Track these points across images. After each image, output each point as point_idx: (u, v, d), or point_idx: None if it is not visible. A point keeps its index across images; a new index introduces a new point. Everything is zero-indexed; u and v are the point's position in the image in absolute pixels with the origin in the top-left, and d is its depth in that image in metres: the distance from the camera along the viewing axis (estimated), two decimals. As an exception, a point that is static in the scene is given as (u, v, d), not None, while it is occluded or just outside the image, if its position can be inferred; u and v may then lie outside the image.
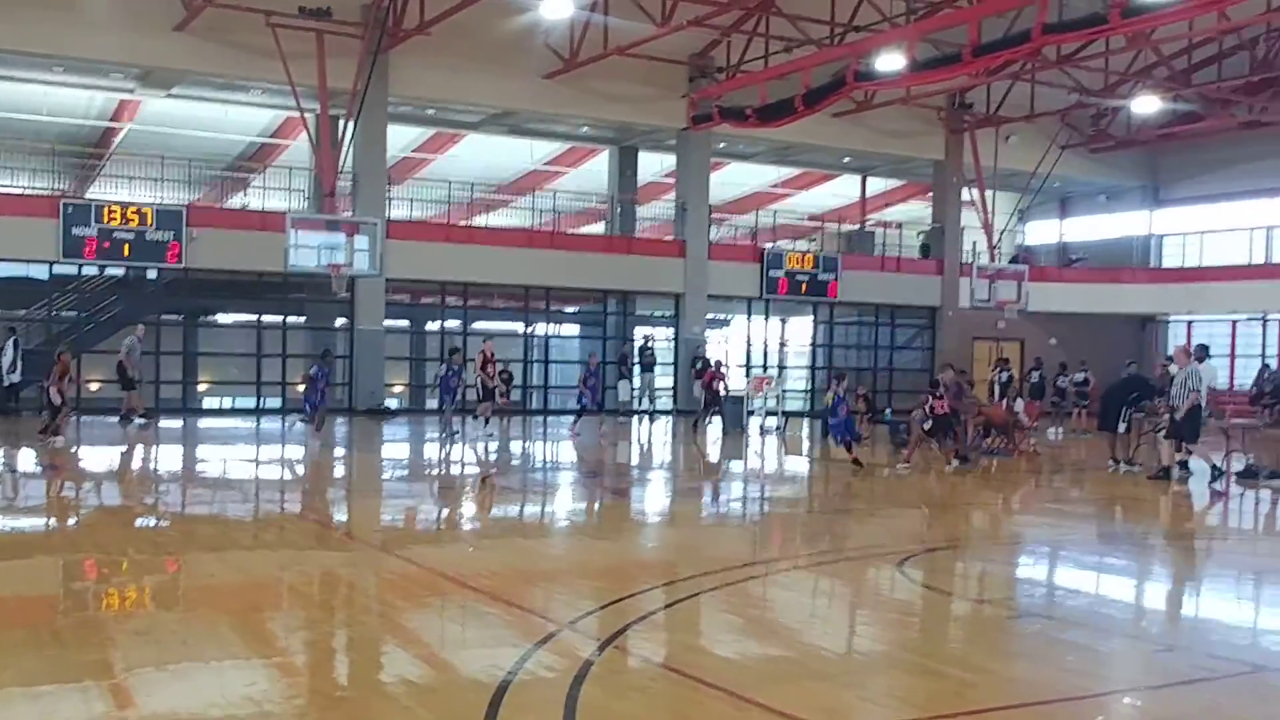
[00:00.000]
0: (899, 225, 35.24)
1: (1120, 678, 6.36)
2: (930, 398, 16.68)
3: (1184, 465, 15.35)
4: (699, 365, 26.50)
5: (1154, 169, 33.97)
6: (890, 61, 20.72)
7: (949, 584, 9.15)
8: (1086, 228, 36.56)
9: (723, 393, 23.72)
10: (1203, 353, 16.85)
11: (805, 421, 25.98)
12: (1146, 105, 27.21)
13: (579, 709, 5.28)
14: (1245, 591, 9.29)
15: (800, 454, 21.04)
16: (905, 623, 7.71)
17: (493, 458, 18.23)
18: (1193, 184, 33.06)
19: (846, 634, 7.49)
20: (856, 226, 34.68)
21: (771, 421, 24.28)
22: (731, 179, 34.12)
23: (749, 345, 31.50)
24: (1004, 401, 21.07)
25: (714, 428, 23.97)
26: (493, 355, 21.30)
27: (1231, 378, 30.87)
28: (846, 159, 32.45)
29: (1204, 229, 33.47)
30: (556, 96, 26.40)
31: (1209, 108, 28.63)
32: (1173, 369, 17.42)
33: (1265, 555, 10.83)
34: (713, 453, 20.73)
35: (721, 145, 29.90)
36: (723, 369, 24.68)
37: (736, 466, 19.04)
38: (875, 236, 34.30)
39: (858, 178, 35.07)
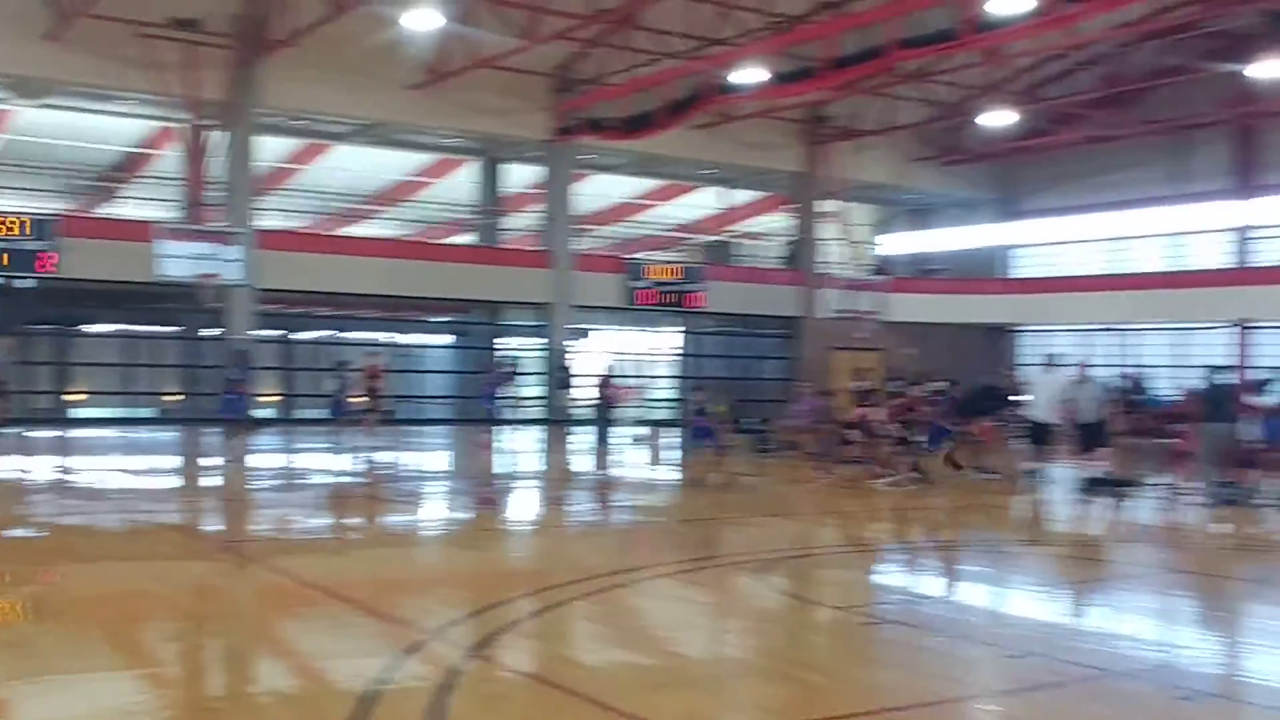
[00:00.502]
0: (761, 237, 35.69)
1: (975, 683, 6.36)
2: (873, 407, 16.57)
3: (1033, 473, 15.72)
4: (600, 377, 26.38)
5: (1007, 182, 35.11)
6: (749, 75, 20.88)
7: (811, 591, 9.14)
8: (943, 239, 37.60)
9: (617, 402, 23.79)
10: (1052, 362, 17.34)
11: (670, 431, 26.07)
12: (998, 119, 28.10)
13: (446, 719, 5.26)
14: (1095, 598, 9.44)
15: (666, 463, 21.02)
16: (768, 630, 7.70)
17: (376, 469, 18.02)
18: (1045, 197, 34.26)
19: (710, 641, 7.45)
20: (720, 238, 34.97)
21: (638, 431, 24.27)
22: (597, 190, 34.12)
23: (615, 355, 31.44)
24: (863, 411, 21.35)
25: (588, 436, 24.01)
26: (382, 369, 21.66)
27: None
28: (708, 171, 32.75)
29: (1056, 240, 34.72)
30: (423, 108, 26.39)
31: (1059, 122, 29.71)
32: (1031, 375, 17.95)
33: (1117, 562, 11.07)
34: (587, 462, 20.71)
35: (587, 157, 29.89)
36: (615, 379, 24.70)
37: (604, 475, 18.95)
38: (738, 248, 34.63)
39: (720, 190, 35.43)
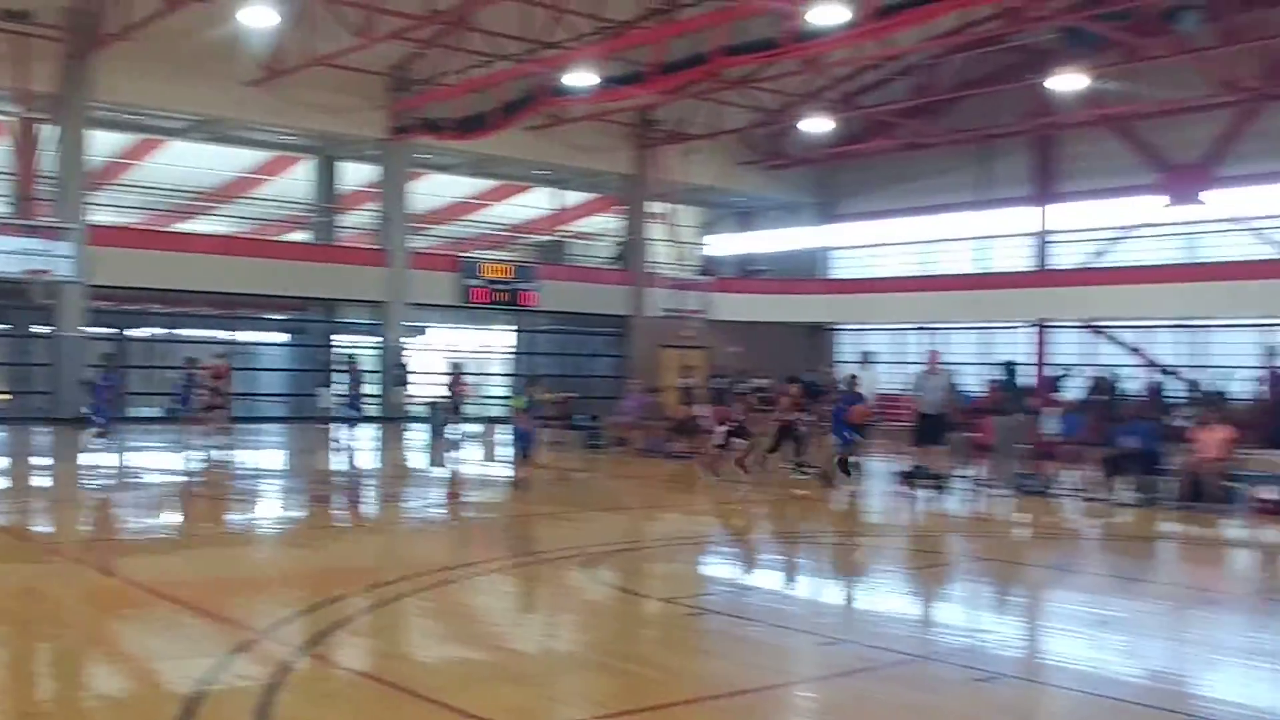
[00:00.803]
0: (593, 237, 36.07)
1: (791, 670, 6.71)
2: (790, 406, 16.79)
3: (851, 466, 16.42)
4: (446, 372, 26.12)
5: (826, 186, 36.39)
6: (581, 78, 21.15)
7: (638, 584, 9.41)
8: (767, 241, 38.72)
9: (463, 399, 23.75)
10: (867, 359, 18.22)
11: (503, 428, 26.12)
12: (818, 126, 29.14)
13: (274, 717, 5.26)
14: (904, 586, 10.06)
15: (500, 459, 21.11)
16: (596, 623, 7.93)
17: (213, 467, 17.61)
18: (861, 200, 35.65)
19: (539, 635, 7.62)
20: (551, 237, 35.20)
21: (471, 428, 24.30)
22: (432, 189, 33.88)
23: (450, 353, 31.30)
24: (689, 407, 21.92)
25: (424, 433, 23.83)
26: (228, 370, 21.49)
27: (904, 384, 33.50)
28: (541, 171, 32.93)
29: (873, 243, 36.20)
30: (260, 105, 25.85)
31: (874, 130, 31.00)
32: (840, 372, 18.76)
33: (925, 552, 11.72)
34: (423, 459, 20.65)
35: (422, 156, 29.72)
36: (464, 377, 24.63)
37: (438, 472, 18.95)
38: (571, 247, 34.93)
39: (552, 190, 35.64)
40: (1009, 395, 16.25)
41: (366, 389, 26.18)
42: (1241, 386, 25.21)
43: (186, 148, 29.50)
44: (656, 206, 32.56)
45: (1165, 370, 28.43)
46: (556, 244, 34.94)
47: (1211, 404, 18.85)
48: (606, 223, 36.46)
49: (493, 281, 30.00)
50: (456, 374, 24.36)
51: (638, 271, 32.69)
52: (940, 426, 16.21)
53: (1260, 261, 27.03)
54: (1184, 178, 28.63)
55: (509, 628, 7.75)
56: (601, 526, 12.58)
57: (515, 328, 32.90)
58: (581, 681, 6.33)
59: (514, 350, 33.19)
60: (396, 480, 17.68)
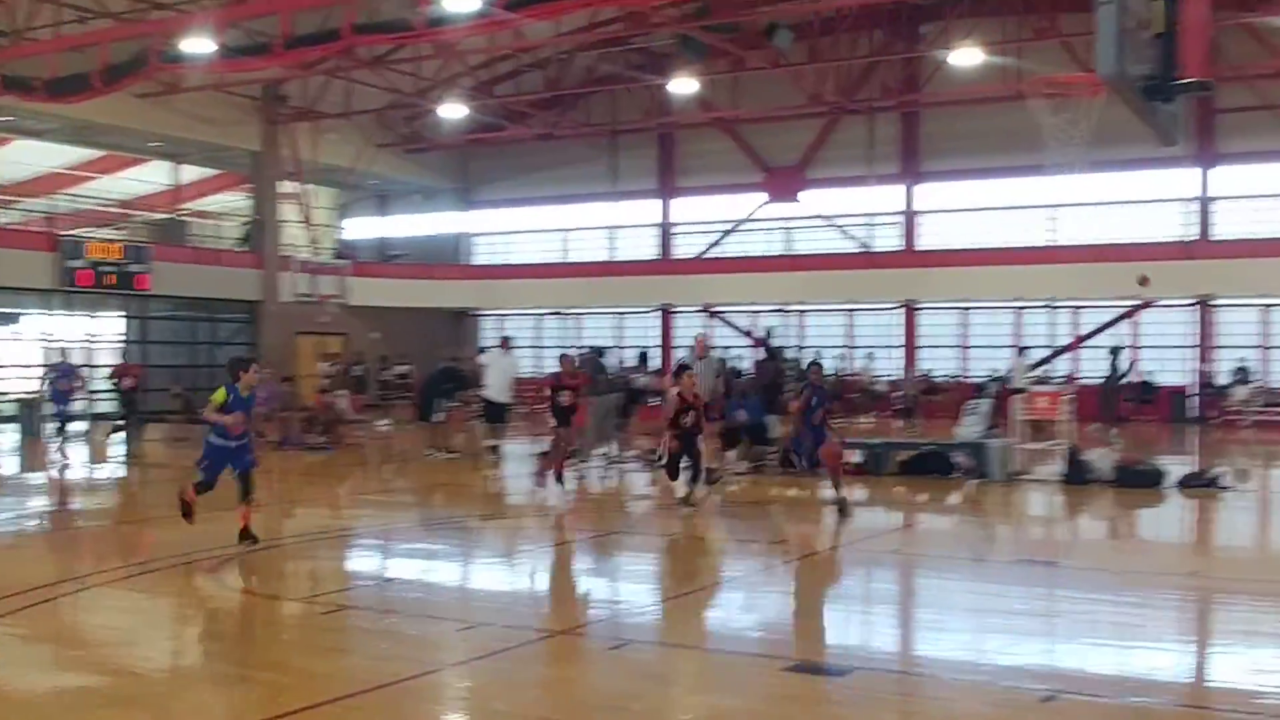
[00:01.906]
0: (216, 216, 33.97)
1: (429, 659, 6.65)
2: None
3: (492, 450, 16.57)
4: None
5: (465, 172, 36.41)
6: (197, 45, 19.78)
7: (272, 585, 9.00)
8: (406, 225, 38.17)
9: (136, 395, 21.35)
10: (506, 344, 18.41)
11: (114, 424, 24.09)
12: (454, 111, 29.05)
13: None
14: (544, 566, 10.28)
15: (110, 459, 19.47)
16: (218, 631, 7.53)
17: None
18: (500, 187, 35.99)
19: (159, 652, 7.07)
20: (169, 215, 32.78)
21: (75, 426, 22.17)
22: (20, 157, 30.46)
23: (46, 344, 28.37)
24: (328, 395, 21.26)
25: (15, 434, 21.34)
26: None
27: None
28: (156, 143, 30.53)
29: (511, 230, 36.63)
30: None
31: (510, 118, 31.34)
32: (487, 357, 18.82)
33: (572, 530, 12.00)
34: (11, 463, 18.70)
35: (7, 118, 26.57)
36: (133, 369, 22.14)
37: (37, 476, 17.20)
38: (190, 227, 32.68)
39: (169, 164, 33.18)
40: (600, 377, 16.85)
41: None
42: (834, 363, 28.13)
43: None
44: (288, 186, 31.16)
45: (768, 349, 30.94)
46: (176, 223, 32.53)
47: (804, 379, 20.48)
48: (233, 201, 34.48)
49: (99, 263, 27.46)
50: (125, 365, 21.94)
51: (269, 254, 31.16)
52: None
53: (843, 254, 30.62)
54: (782, 179, 31.61)
55: (124, 646, 7.06)
56: (231, 525, 11.88)
57: (124, 314, 30.31)
58: (199, 696, 5.95)
59: (125, 339, 30.61)
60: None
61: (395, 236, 37.98)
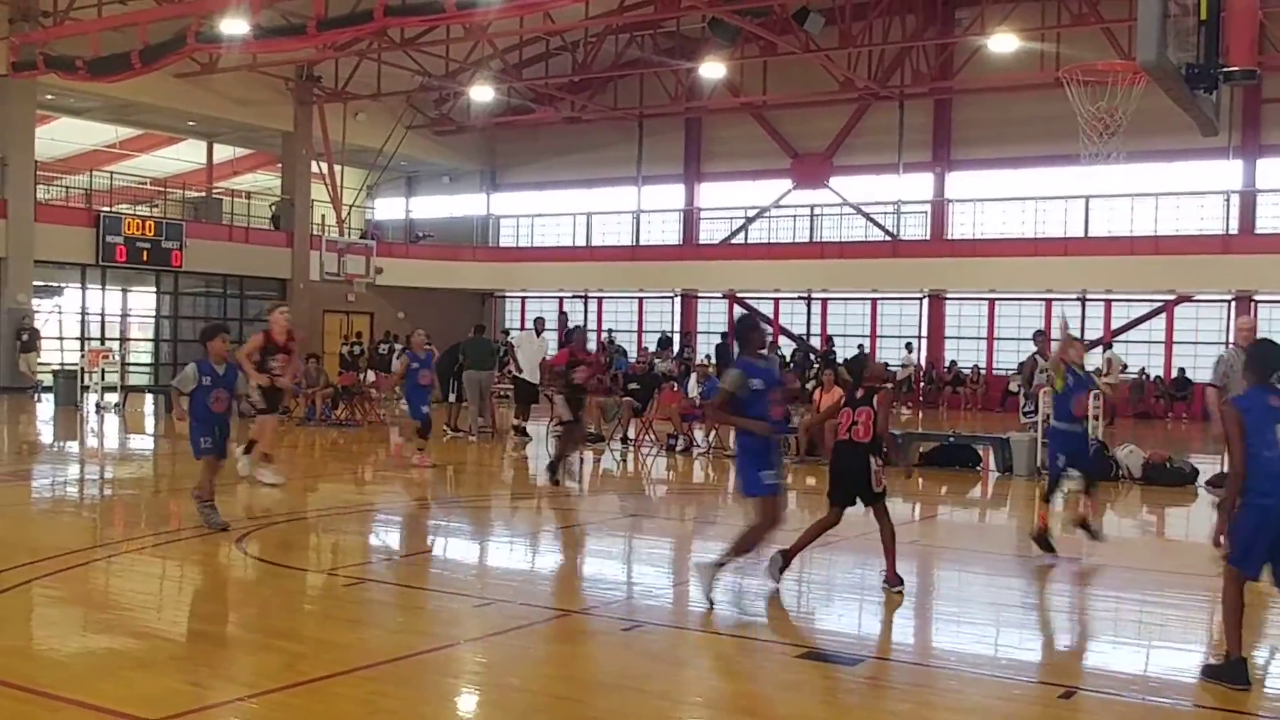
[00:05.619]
0: (248, 194, 34.30)
1: (444, 633, 6.81)
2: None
3: (522, 430, 16.75)
4: None
5: (492, 154, 36.56)
6: (233, 26, 20.01)
7: (288, 557, 9.18)
8: (432, 206, 38.37)
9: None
10: (538, 327, 18.54)
11: (149, 397, 24.49)
12: (483, 94, 29.18)
13: None
14: (562, 545, 10.43)
15: (143, 432, 19.81)
16: (242, 600, 7.69)
17: None
18: (526, 170, 36.13)
19: (182, 617, 7.27)
20: (203, 194, 33.15)
21: (111, 398, 22.57)
22: (62, 135, 30.96)
23: (84, 316, 28.84)
24: (355, 373, 21.50)
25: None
26: None
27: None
28: (191, 123, 30.89)
29: (536, 213, 36.75)
30: None
31: (538, 102, 31.44)
32: (516, 338, 18.95)
33: (590, 511, 12.14)
34: (49, 431, 19.00)
35: (49, 97, 27.00)
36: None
37: (74, 446, 17.52)
38: (223, 205, 33.04)
39: (204, 143, 33.54)
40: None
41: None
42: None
43: None
44: (318, 166, 31.43)
45: (794, 338, 30.98)
46: (213, 201, 32.91)
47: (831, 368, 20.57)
48: (264, 180, 34.81)
49: (135, 239, 27.87)
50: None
51: (299, 233, 31.47)
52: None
53: (870, 242, 30.56)
54: (809, 165, 31.47)
55: (149, 611, 7.32)
56: (256, 497, 12.11)
57: (160, 289, 30.74)
58: (224, 661, 6.13)
59: (155, 314, 31.03)
60: (21, 456, 16.18)
61: (422, 218, 38.20)
